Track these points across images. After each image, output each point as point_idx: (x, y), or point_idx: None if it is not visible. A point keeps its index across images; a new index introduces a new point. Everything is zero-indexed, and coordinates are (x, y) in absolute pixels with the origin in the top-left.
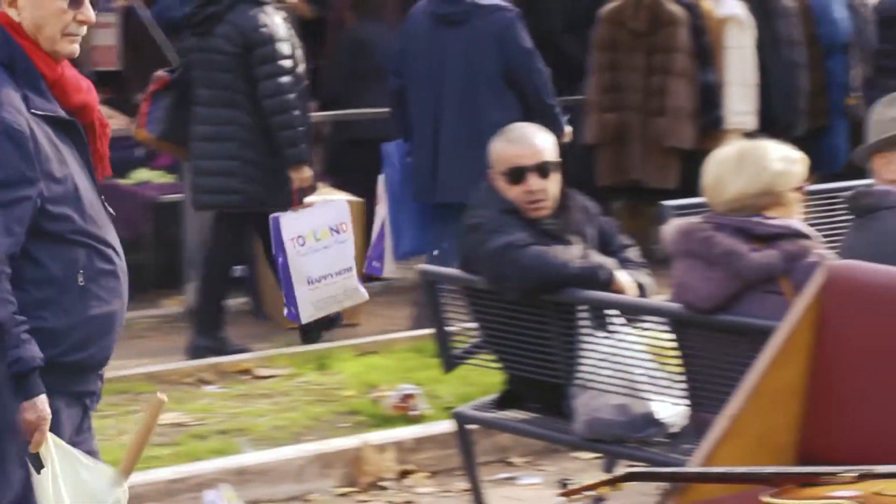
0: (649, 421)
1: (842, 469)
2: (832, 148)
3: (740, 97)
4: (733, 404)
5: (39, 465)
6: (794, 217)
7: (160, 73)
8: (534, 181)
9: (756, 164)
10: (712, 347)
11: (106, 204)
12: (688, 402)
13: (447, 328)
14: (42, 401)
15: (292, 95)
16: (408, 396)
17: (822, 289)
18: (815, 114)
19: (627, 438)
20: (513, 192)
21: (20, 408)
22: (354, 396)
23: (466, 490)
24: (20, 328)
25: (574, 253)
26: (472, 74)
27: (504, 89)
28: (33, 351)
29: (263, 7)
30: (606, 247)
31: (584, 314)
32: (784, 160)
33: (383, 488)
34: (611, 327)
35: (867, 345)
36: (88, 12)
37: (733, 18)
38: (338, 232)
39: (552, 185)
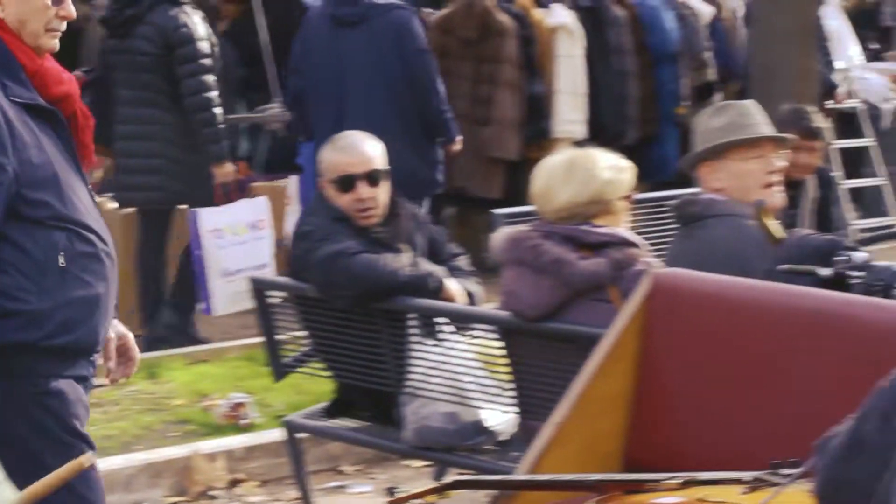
0: (478, 429)
1: (666, 476)
2: (662, 156)
3: (570, 106)
4: (559, 412)
5: None
6: (621, 225)
7: (77, 73)
8: (363, 189)
9: (585, 172)
10: (540, 355)
11: (93, 193)
12: (517, 409)
13: (277, 336)
14: None
15: (214, 93)
16: (238, 405)
17: (647, 297)
18: (645, 122)
19: (457, 446)
20: (342, 201)
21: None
22: (185, 405)
23: (297, 499)
24: None
25: (404, 261)
26: (373, 74)
27: (404, 88)
28: None
29: (182, 7)
30: (436, 255)
31: (414, 322)
32: (613, 169)
33: (213, 497)
34: (440, 335)
35: (691, 352)
36: (70, 8)
37: (563, 27)
38: (256, 228)
39: (382, 194)
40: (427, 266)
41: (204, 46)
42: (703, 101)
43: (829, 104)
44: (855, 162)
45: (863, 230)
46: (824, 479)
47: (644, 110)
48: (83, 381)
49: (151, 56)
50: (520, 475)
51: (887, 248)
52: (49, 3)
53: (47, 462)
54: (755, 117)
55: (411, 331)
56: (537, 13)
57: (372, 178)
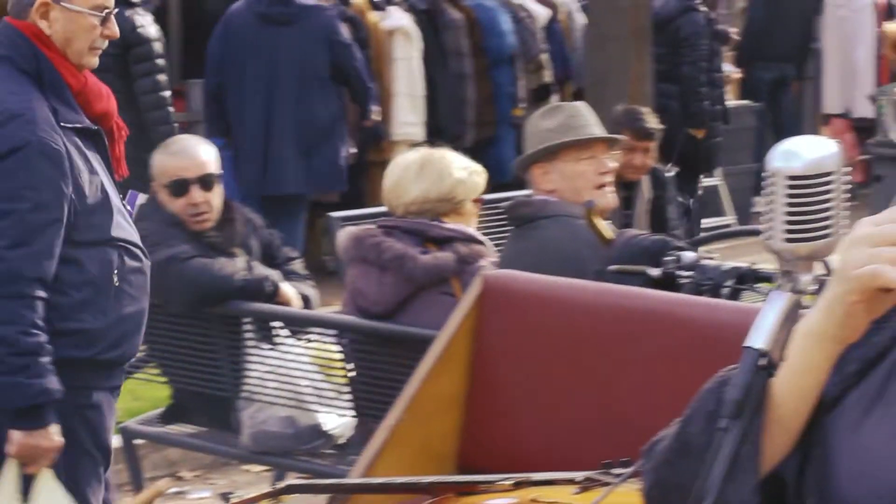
0: (316, 433)
1: (499, 477)
2: (500, 158)
3: (408, 108)
4: (393, 414)
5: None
6: (470, 227)
7: None
8: (196, 194)
9: (438, 170)
10: (377, 358)
11: (125, 203)
12: (354, 412)
13: None
14: (56, 430)
15: (167, 92)
16: None
17: (478, 298)
18: (483, 124)
19: (295, 450)
20: (176, 205)
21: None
22: None
23: None
24: (47, 358)
25: (238, 265)
26: (304, 71)
27: (330, 83)
28: (55, 383)
29: (136, 9)
30: (271, 259)
31: (250, 327)
32: (466, 170)
33: None
34: (276, 340)
35: (523, 353)
36: (114, 28)
37: (400, 30)
38: None
39: (215, 198)
40: (262, 270)
41: (158, 47)
42: (539, 103)
43: None
44: None
45: (705, 230)
46: (651, 483)
47: (481, 112)
48: (116, 390)
49: (109, 56)
50: (354, 478)
51: (724, 247)
52: (97, 22)
53: (77, 475)
54: (587, 118)
55: (247, 335)
56: (373, 16)
57: (205, 182)
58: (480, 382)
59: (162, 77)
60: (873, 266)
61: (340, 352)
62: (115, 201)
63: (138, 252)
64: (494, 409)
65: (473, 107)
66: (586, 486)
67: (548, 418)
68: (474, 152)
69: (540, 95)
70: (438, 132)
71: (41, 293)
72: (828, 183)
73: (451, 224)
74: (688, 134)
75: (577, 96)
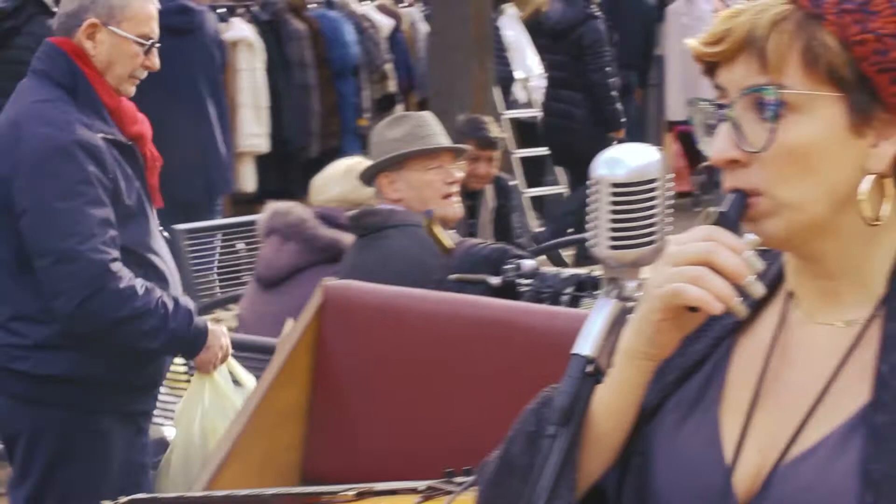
0: (162, 446)
1: (342, 488)
2: None
3: (253, 120)
4: (236, 426)
5: None
6: None
7: None
8: None
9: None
10: None
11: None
12: None
13: None
14: (218, 330)
15: None
16: None
17: (319, 308)
18: (328, 135)
19: (9, 492)
20: None
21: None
22: None
23: None
24: (165, 300)
25: None
26: (198, 77)
27: (215, 87)
28: (186, 304)
29: None
30: None
31: None
32: None
33: None
34: None
35: (366, 363)
36: (156, 60)
37: (243, 41)
38: None
39: None
40: None
41: None
42: (384, 113)
43: (510, 114)
44: (536, 170)
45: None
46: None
47: (326, 123)
48: (145, 415)
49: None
50: (196, 492)
51: (568, 254)
52: (140, 51)
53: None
54: (433, 128)
55: None
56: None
57: None
58: (323, 393)
59: None
60: (674, 284)
61: (185, 364)
62: (152, 218)
63: (167, 273)
64: (337, 420)
65: (318, 117)
66: (428, 495)
67: (391, 428)
68: (319, 163)
69: (384, 105)
70: (283, 143)
71: (124, 269)
72: (651, 190)
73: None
74: (607, 137)
75: (422, 106)
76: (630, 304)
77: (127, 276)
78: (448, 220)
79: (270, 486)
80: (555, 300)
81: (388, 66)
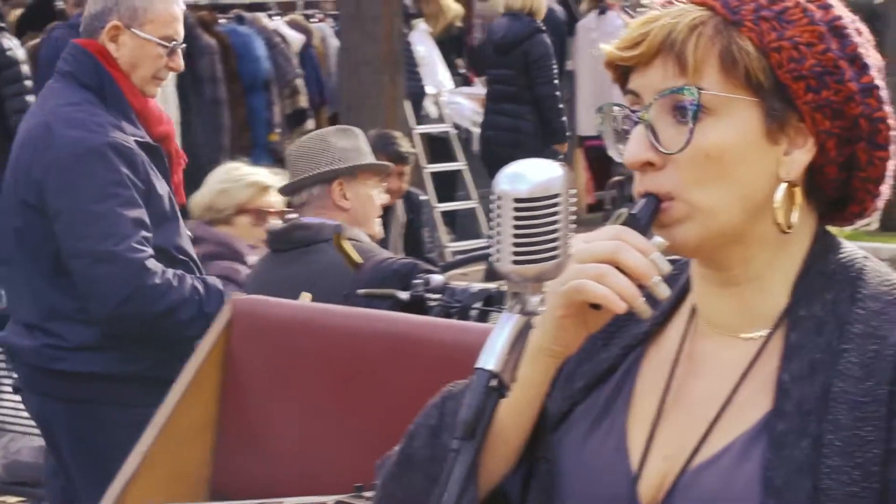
0: None
1: (251, 503)
2: None
3: None
4: (145, 440)
5: None
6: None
7: None
8: None
9: (210, 181)
10: None
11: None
12: None
13: None
14: None
15: None
16: None
17: (228, 324)
18: (239, 150)
19: (48, 481)
20: None
21: None
22: None
23: None
24: (199, 291)
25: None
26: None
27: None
28: (217, 294)
29: (3, 32)
30: None
31: (2, 357)
32: (232, 181)
33: None
34: None
35: (274, 378)
36: (180, 60)
37: None
38: None
39: None
40: None
41: (26, 69)
42: (295, 129)
43: (422, 129)
44: (448, 185)
45: (456, 252)
46: (380, 498)
47: (237, 138)
48: (153, 408)
49: None
50: None
51: (480, 269)
52: (163, 52)
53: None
54: (369, 147)
55: (0, 365)
56: None
57: None
58: (232, 408)
59: (30, 98)
60: (577, 281)
61: None
62: (180, 217)
63: (194, 271)
64: (247, 435)
65: (229, 132)
66: None
67: (300, 443)
68: None
69: (295, 120)
70: (194, 158)
71: (157, 265)
72: (554, 205)
73: (221, 230)
74: (552, 150)
75: (333, 121)
76: (533, 318)
77: (160, 271)
78: (375, 237)
79: (179, 500)
80: (463, 315)
81: (299, 82)
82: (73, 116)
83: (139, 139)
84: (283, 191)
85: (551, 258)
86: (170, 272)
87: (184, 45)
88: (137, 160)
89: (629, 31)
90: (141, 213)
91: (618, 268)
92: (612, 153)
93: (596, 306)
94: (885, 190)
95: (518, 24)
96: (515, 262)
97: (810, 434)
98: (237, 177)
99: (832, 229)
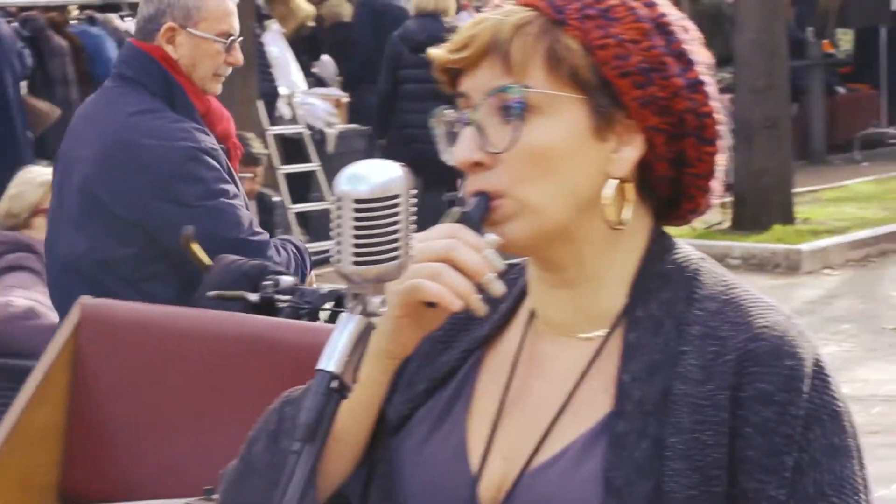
0: None
1: None
2: None
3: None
4: None
5: None
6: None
7: None
8: None
9: (9, 187)
10: None
11: None
12: None
13: None
14: None
15: None
16: None
17: (77, 326)
18: None
19: None
20: None
21: None
22: None
23: None
24: (300, 254)
25: None
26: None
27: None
28: (307, 253)
29: None
30: None
31: None
32: (25, 184)
33: None
34: None
35: (124, 381)
36: (238, 55)
37: None
38: None
39: None
40: None
41: None
42: None
43: (275, 130)
44: (302, 186)
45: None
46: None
47: None
48: None
49: None
50: None
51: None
52: (221, 48)
53: None
54: None
55: None
56: None
57: None
58: (81, 412)
59: None
60: (413, 280)
61: None
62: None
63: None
64: (96, 438)
65: None
66: None
67: (151, 446)
68: None
69: None
70: (47, 159)
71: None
72: (394, 206)
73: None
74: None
75: None
76: (374, 319)
77: (275, 248)
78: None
79: None
80: (313, 316)
81: None
82: (155, 125)
83: (213, 142)
84: None
85: (392, 259)
86: (275, 242)
87: (241, 38)
88: (222, 160)
89: (458, 35)
90: (243, 203)
91: (453, 266)
92: (444, 156)
93: (432, 305)
94: (716, 186)
95: (433, 24)
96: (356, 263)
97: (651, 435)
98: (29, 179)
99: (679, 230)
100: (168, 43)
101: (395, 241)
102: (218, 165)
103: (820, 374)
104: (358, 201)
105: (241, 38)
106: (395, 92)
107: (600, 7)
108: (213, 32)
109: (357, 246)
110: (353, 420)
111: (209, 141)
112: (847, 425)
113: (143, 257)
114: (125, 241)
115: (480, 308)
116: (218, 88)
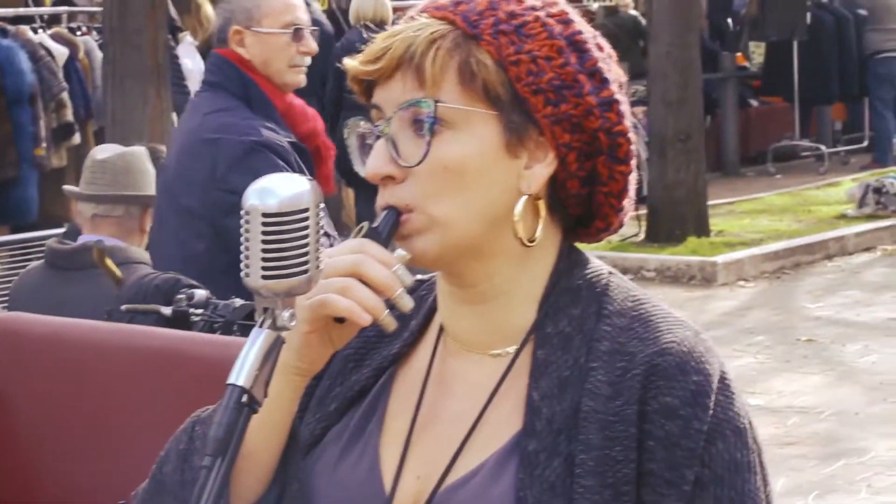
0: None
1: None
2: (23, 198)
3: None
4: None
5: None
6: None
7: None
8: None
9: None
10: None
11: None
12: None
13: None
14: None
15: None
16: None
17: None
18: (5, 165)
19: None
20: None
21: None
22: None
23: None
24: None
25: None
26: None
27: None
28: None
29: None
30: None
31: None
32: None
33: None
34: None
35: (35, 396)
36: (311, 44)
37: None
38: None
39: None
40: None
41: None
42: (62, 143)
43: None
44: None
45: None
46: None
47: (3, 153)
48: None
49: None
50: None
51: None
52: (289, 40)
53: None
54: None
55: None
56: None
57: None
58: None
59: None
60: (322, 295)
61: None
62: None
63: None
64: (8, 453)
65: None
66: None
67: (64, 462)
68: None
69: (62, 135)
70: None
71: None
72: (303, 220)
73: None
74: None
75: (99, 135)
76: (284, 333)
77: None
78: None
79: None
80: (227, 330)
81: (65, 95)
82: (225, 121)
83: (290, 140)
84: (89, 197)
85: (301, 273)
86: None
87: (314, 29)
88: (291, 158)
89: (372, 45)
90: None
91: (362, 281)
92: (357, 168)
93: (341, 320)
94: (627, 204)
95: (374, 33)
96: (265, 277)
97: (562, 453)
98: None
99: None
100: (239, 46)
101: (305, 254)
102: (281, 162)
103: (725, 390)
104: (266, 215)
105: (314, 29)
106: (340, 102)
107: (515, 23)
108: (277, 26)
109: (266, 260)
110: (264, 438)
111: (276, 138)
112: (751, 441)
113: (214, 250)
114: (198, 235)
115: (390, 324)
116: (301, 79)
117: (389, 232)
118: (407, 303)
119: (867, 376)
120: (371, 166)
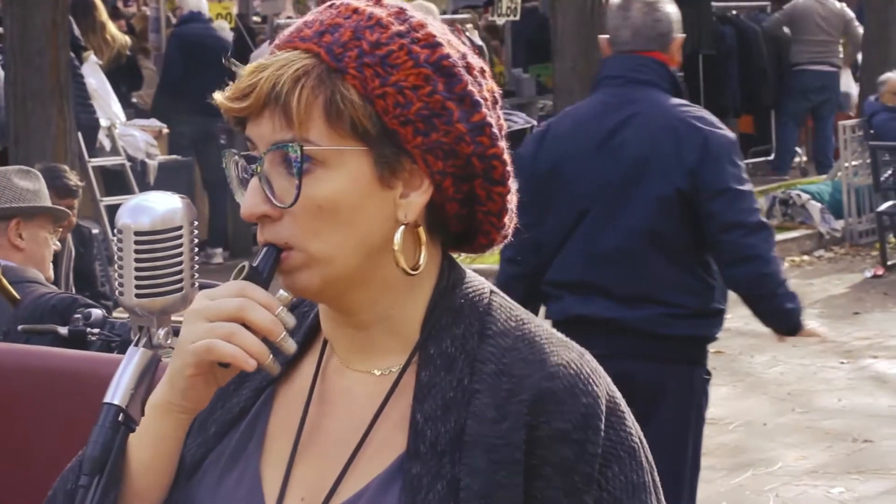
0: None
1: None
2: None
3: None
4: None
5: None
6: None
7: None
8: None
9: None
10: None
11: None
12: None
13: None
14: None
15: None
16: None
17: None
18: None
19: None
20: None
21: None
22: None
23: None
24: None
25: None
26: None
27: None
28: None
29: None
30: None
31: None
32: None
33: None
34: None
35: None
36: None
37: None
38: None
39: None
40: None
41: None
42: None
43: (96, 161)
44: None
45: None
46: None
47: None
48: None
49: None
50: None
51: None
52: None
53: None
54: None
55: None
56: None
57: None
58: None
59: None
60: (208, 340)
61: None
62: None
63: None
64: None
65: None
66: None
67: None
68: None
69: None
70: None
71: None
72: (176, 238)
73: None
74: None
75: (2, 155)
76: (160, 351)
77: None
78: (49, 280)
79: None
80: (125, 349)
81: None
82: (703, 115)
83: None
84: None
85: (176, 291)
86: None
87: None
88: None
89: (239, 81)
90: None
91: (246, 325)
92: (238, 198)
93: (226, 364)
94: (508, 221)
95: None
96: (139, 296)
97: (445, 476)
98: None
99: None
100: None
101: (179, 272)
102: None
103: (615, 411)
104: (138, 234)
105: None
106: None
107: (379, 54)
108: None
109: (139, 279)
110: (153, 477)
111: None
112: (644, 461)
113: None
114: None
115: (274, 369)
116: None
117: (270, 271)
118: (290, 346)
119: (775, 387)
120: (246, 206)
